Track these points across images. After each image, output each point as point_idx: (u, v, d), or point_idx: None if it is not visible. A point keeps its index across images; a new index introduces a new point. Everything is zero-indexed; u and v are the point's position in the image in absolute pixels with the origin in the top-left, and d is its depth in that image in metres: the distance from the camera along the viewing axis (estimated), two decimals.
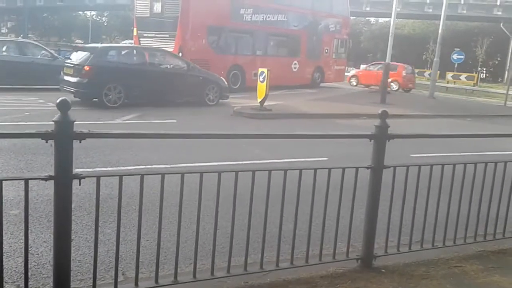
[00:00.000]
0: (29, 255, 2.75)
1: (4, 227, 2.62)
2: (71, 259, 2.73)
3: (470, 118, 15.80)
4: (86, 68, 11.71)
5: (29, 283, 2.74)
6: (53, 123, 2.52)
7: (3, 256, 2.54)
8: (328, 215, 3.42)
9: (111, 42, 46.50)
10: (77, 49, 13.80)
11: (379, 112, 3.53)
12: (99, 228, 2.78)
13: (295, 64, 21.33)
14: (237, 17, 18.73)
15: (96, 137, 2.70)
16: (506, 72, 38.22)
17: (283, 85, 19.00)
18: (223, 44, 18.50)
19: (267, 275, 3.33)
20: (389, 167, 3.57)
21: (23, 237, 2.61)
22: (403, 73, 26.81)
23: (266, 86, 12.30)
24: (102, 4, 55.00)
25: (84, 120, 8.61)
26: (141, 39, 18.04)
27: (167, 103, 12.94)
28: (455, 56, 32.11)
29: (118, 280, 2.88)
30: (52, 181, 2.55)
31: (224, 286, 3.17)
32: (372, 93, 20.50)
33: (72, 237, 2.89)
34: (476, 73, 41.91)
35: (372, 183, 3.54)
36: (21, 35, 42.08)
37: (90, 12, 68.01)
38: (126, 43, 39.05)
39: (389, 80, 26.73)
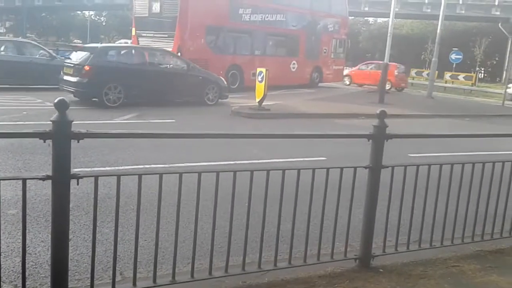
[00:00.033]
0: (27, 255, 2.75)
1: (2, 226, 2.62)
2: (69, 258, 2.73)
3: (468, 118, 15.82)
4: (86, 68, 11.73)
5: (27, 283, 2.75)
6: (51, 122, 2.52)
7: (1, 256, 2.54)
8: (326, 215, 3.42)
9: (109, 42, 46.51)
10: (77, 49, 13.82)
11: (377, 112, 3.53)
12: (97, 227, 2.78)
13: (293, 64, 21.34)
14: (236, 17, 18.73)
15: (94, 137, 2.70)
16: (504, 72, 38.24)
17: (282, 85, 19.01)
18: (222, 44, 18.49)
19: (265, 275, 3.33)
20: (387, 167, 3.57)
21: (20, 237, 2.61)
22: (396, 73, 26.93)
23: (265, 86, 12.30)
24: (101, 4, 54.95)
25: (82, 120, 8.60)
26: (139, 39, 18.02)
27: (166, 103, 12.95)
28: (453, 56, 32.18)
29: (116, 280, 2.88)
30: (50, 181, 2.55)
31: (222, 286, 3.16)
32: (371, 93, 20.51)
33: (70, 236, 2.90)
34: (474, 73, 41.96)
35: (370, 183, 3.54)
36: (21, 36, 42.15)
37: (89, 12, 67.97)
38: (121, 42, 39.03)
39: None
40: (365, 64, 29.51)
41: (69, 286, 2.74)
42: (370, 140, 3.51)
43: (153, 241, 2.97)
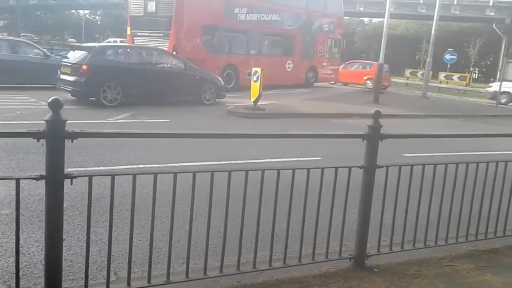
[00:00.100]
0: (20, 255, 2.74)
1: None
2: (63, 258, 2.72)
3: (462, 118, 15.90)
4: (84, 67, 11.72)
5: (20, 283, 2.73)
6: (44, 122, 2.50)
7: None
8: (321, 215, 3.43)
9: (103, 41, 46.46)
10: (74, 48, 13.78)
11: (372, 112, 3.54)
12: (91, 227, 2.77)
13: (289, 63, 21.36)
14: (232, 17, 18.72)
15: (88, 136, 2.69)
16: (498, 73, 38.44)
17: (277, 85, 19.02)
18: (217, 44, 18.48)
19: (260, 275, 3.33)
20: (381, 166, 3.58)
21: (14, 237, 2.59)
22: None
23: (260, 85, 12.31)
24: (96, 2, 54.76)
25: (77, 119, 8.57)
26: (135, 38, 17.97)
27: (163, 103, 12.95)
28: (447, 56, 32.33)
29: (110, 280, 2.87)
30: (44, 181, 2.53)
31: (217, 286, 3.16)
32: (365, 93, 20.58)
33: (64, 236, 2.88)
34: (468, 73, 42.18)
35: (365, 183, 3.55)
36: (20, 34, 41.98)
37: (83, 11, 67.74)
38: (110, 41, 38.94)
39: (365, 78, 27.45)
40: (350, 63, 29.68)
41: (63, 286, 2.73)
42: (365, 140, 3.52)
43: (148, 241, 2.96)
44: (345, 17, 30.37)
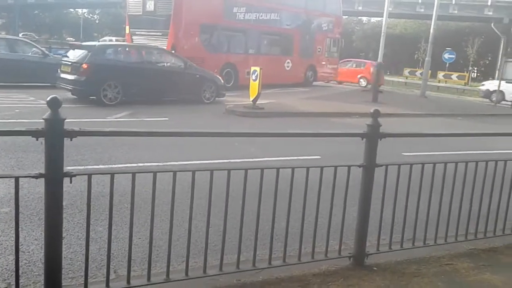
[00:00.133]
0: (20, 253, 2.74)
1: None
2: (63, 257, 2.72)
3: (461, 117, 15.92)
4: (84, 66, 11.74)
5: (20, 281, 2.73)
6: (43, 121, 2.50)
7: None
8: (321, 213, 3.43)
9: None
10: (74, 47, 13.78)
11: (371, 111, 3.54)
12: (90, 226, 2.77)
13: (288, 62, 21.35)
14: (230, 16, 18.70)
15: (86, 135, 2.68)
16: (497, 72, 38.48)
17: (276, 84, 19.02)
18: (216, 43, 18.46)
19: (260, 273, 3.33)
20: (381, 165, 3.58)
21: (14, 235, 2.59)
22: (371, 70, 27.54)
23: (259, 84, 12.31)
24: (94, 1, 54.71)
25: (76, 118, 8.57)
26: (133, 37, 17.96)
27: (162, 101, 12.96)
28: (446, 56, 32.39)
29: (110, 278, 2.87)
30: (43, 179, 2.53)
31: (216, 284, 3.16)
32: (364, 92, 20.59)
33: (64, 235, 2.88)
34: (467, 72, 42.27)
35: (364, 182, 3.55)
36: (21, 34, 41.92)
37: (82, 10, 67.62)
38: (106, 40, 38.88)
39: (358, 76, 27.63)
40: (344, 62, 29.78)
41: (62, 284, 2.73)
42: (364, 139, 3.52)
43: (147, 239, 2.96)
44: (344, 16, 30.42)
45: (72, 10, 68.45)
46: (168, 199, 2.94)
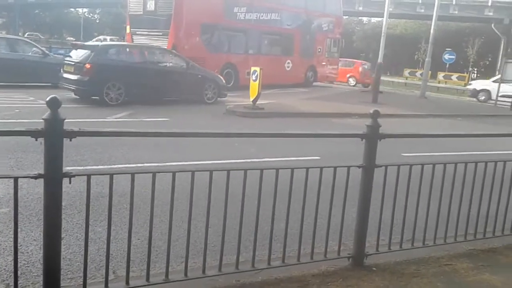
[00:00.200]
0: (19, 254, 2.74)
1: None
2: (62, 257, 2.72)
3: (461, 118, 15.91)
4: (87, 66, 11.77)
5: (19, 282, 2.73)
6: (43, 121, 2.50)
7: None
8: (320, 214, 3.43)
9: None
10: (77, 47, 13.81)
11: (371, 111, 3.54)
12: (89, 226, 2.77)
13: (288, 63, 21.35)
14: (231, 16, 18.71)
15: (86, 135, 2.68)
16: (497, 73, 38.51)
17: (277, 84, 19.03)
18: (217, 43, 18.46)
19: (259, 274, 3.33)
20: (380, 166, 3.58)
21: (12, 236, 2.59)
22: (360, 69, 27.99)
23: (259, 85, 12.30)
24: (94, 1, 54.69)
25: (76, 118, 8.57)
26: (134, 36, 17.97)
27: (163, 101, 12.98)
28: (446, 56, 32.39)
29: (109, 278, 2.86)
30: (42, 179, 2.53)
31: (215, 285, 3.16)
32: (364, 93, 20.59)
33: (63, 235, 2.88)
34: (467, 73, 42.26)
35: (364, 182, 3.55)
36: (27, 33, 42.00)
37: (82, 9, 67.66)
38: (100, 39, 38.91)
39: (348, 75, 27.81)
40: None
41: (61, 285, 2.73)
42: (364, 140, 3.52)
43: (146, 239, 2.96)
44: (344, 17, 30.41)
45: (72, 9, 68.52)
46: (167, 199, 2.94)
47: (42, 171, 2.53)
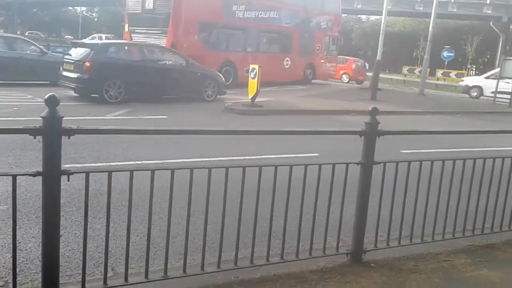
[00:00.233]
0: (18, 251, 2.74)
1: None
2: (60, 254, 2.72)
3: (460, 115, 15.93)
4: (87, 64, 11.79)
5: (18, 279, 2.73)
6: (41, 119, 2.50)
7: None
8: (319, 211, 3.43)
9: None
10: (76, 45, 13.81)
11: (369, 109, 3.55)
12: (88, 223, 2.77)
13: (287, 60, 21.34)
14: (230, 14, 18.68)
15: (84, 133, 2.68)
16: (494, 69, 38.55)
17: (275, 82, 19.02)
18: (215, 41, 18.44)
19: (258, 270, 3.34)
20: (379, 163, 3.59)
21: (11, 233, 2.59)
22: (353, 66, 28.19)
23: (257, 82, 12.30)
24: None
25: (74, 116, 8.57)
26: (132, 35, 17.94)
27: (162, 99, 12.99)
28: (445, 54, 32.41)
29: (108, 275, 2.87)
30: (41, 177, 2.53)
31: (214, 281, 3.17)
32: (363, 90, 20.59)
33: (61, 232, 2.89)
34: (465, 70, 42.29)
35: (362, 179, 3.56)
36: (28, 32, 41.95)
37: (80, 8, 67.51)
38: (95, 37, 38.83)
39: (341, 72, 27.96)
40: None
41: (60, 282, 2.73)
42: (362, 137, 3.53)
43: (145, 236, 2.96)
44: (343, 15, 30.39)
45: (70, 8, 68.37)
46: (166, 196, 2.94)
47: (40, 169, 2.53)
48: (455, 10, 41.61)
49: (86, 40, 19.18)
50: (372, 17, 57.43)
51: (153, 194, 2.87)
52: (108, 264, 2.89)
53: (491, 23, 43.07)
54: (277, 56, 20.75)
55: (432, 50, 22.20)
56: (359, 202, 3.60)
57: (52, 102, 2.51)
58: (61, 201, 2.65)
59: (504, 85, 20.44)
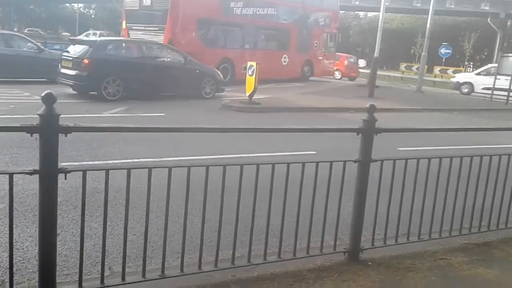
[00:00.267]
0: (14, 250, 2.73)
1: None
2: (57, 253, 2.72)
3: (457, 112, 15.95)
4: (86, 61, 11.76)
5: (14, 278, 2.73)
6: (38, 116, 2.49)
7: None
8: (316, 209, 3.44)
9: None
10: (75, 42, 13.77)
11: (367, 106, 3.54)
12: (85, 222, 2.76)
13: (285, 57, 21.31)
14: (227, 10, 18.64)
15: (81, 130, 2.68)
16: (493, 66, 38.60)
17: (273, 79, 18.99)
18: (213, 37, 18.40)
19: (255, 269, 3.34)
20: (376, 160, 3.59)
21: (8, 232, 2.58)
22: (345, 63, 28.29)
23: (255, 79, 12.28)
24: None
25: (72, 113, 8.53)
26: (130, 32, 17.89)
27: (161, 96, 12.99)
28: (442, 51, 32.45)
29: (105, 274, 2.87)
30: (37, 175, 2.52)
31: (212, 280, 3.17)
32: (360, 87, 20.58)
33: (58, 231, 2.88)
34: (463, 67, 42.32)
35: (360, 177, 3.56)
36: (27, 29, 41.81)
37: (77, 4, 67.23)
38: (89, 33, 38.70)
39: (334, 69, 28.00)
40: None
41: (57, 281, 2.73)
42: (360, 134, 3.53)
43: (142, 235, 2.96)
44: (341, 11, 30.37)
45: (68, 4, 68.05)
46: (163, 195, 2.94)
47: (37, 167, 2.52)
48: (453, 6, 41.62)
49: (83, 37, 19.13)
50: (370, 14, 57.36)
51: (150, 192, 2.87)
52: (105, 263, 2.89)
53: (488, 19, 43.11)
54: (275, 53, 20.73)
55: (429, 47, 22.20)
56: (356, 200, 3.60)
57: (49, 100, 2.50)
58: (58, 200, 2.65)
59: (496, 82, 20.56)
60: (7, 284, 2.67)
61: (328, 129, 4.70)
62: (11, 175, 2.53)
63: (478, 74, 25.25)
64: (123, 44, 13.82)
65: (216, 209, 3.13)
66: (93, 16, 70.05)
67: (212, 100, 13.55)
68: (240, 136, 7.45)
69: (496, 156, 4.28)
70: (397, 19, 56.39)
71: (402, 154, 4.66)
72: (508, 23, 44.99)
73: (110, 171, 2.79)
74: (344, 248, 3.69)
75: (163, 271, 3.00)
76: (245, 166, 3.15)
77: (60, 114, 2.52)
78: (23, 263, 3.38)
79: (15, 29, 43.82)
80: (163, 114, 10.51)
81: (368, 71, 22.36)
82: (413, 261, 3.77)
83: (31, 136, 2.50)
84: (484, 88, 22.51)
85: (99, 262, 3.03)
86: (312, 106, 13.92)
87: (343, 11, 44.05)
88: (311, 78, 23.31)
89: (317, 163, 3.39)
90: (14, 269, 2.73)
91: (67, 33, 50.56)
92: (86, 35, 37.50)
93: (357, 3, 44.26)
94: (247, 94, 12.61)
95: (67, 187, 4.38)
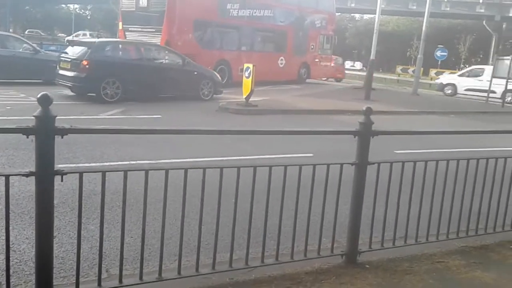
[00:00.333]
0: (11, 252, 2.71)
1: None
2: (54, 256, 2.70)
3: (453, 115, 16.00)
4: (84, 62, 11.73)
5: (11, 280, 2.70)
6: (34, 118, 2.47)
7: None
8: (313, 211, 3.43)
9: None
10: (73, 43, 13.73)
11: (364, 108, 3.54)
12: (82, 224, 2.75)
13: (281, 60, 21.34)
14: (224, 12, 18.64)
15: (78, 132, 2.66)
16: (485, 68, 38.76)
17: (270, 81, 19.01)
18: (210, 39, 18.39)
19: (252, 272, 3.33)
20: (373, 163, 3.59)
21: (4, 234, 2.56)
22: (332, 64, 28.31)
23: (252, 81, 12.28)
24: None
25: (68, 115, 8.52)
26: (126, 33, 17.85)
27: (159, 98, 12.96)
28: (438, 53, 32.58)
29: (102, 277, 2.85)
30: (34, 177, 2.50)
31: (209, 283, 3.15)
32: (357, 89, 20.63)
33: (55, 233, 2.86)
34: (459, 70, 42.44)
35: (357, 179, 3.56)
36: (28, 30, 41.64)
37: (73, 5, 67.11)
38: (79, 34, 38.58)
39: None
40: None
41: (54, 284, 2.71)
42: (356, 137, 3.53)
43: (139, 237, 2.94)
44: (337, 13, 30.42)
45: (63, 5, 67.91)
46: (160, 197, 2.93)
47: (33, 169, 2.50)
48: (448, 9, 41.83)
49: (81, 38, 19.10)
50: (366, 16, 57.64)
51: (147, 194, 2.86)
52: (102, 265, 2.87)
53: (484, 22, 43.34)
54: (271, 55, 20.75)
55: (425, 49, 22.31)
56: (354, 203, 3.60)
57: (45, 101, 2.48)
58: (55, 202, 2.63)
59: (476, 83, 20.90)
60: (4, 287, 2.65)
61: (325, 132, 4.71)
62: (7, 177, 2.52)
63: (461, 75, 25.52)
64: (122, 46, 13.81)
65: (214, 212, 3.12)
66: (89, 17, 69.93)
67: (210, 102, 13.54)
68: (237, 138, 7.47)
69: (493, 159, 4.29)
70: (393, 21, 56.58)
71: (399, 157, 4.67)
72: (503, 25, 45.22)
73: (107, 173, 2.78)
74: (341, 250, 3.68)
75: (160, 273, 2.99)
76: (242, 168, 3.14)
77: (56, 116, 2.51)
78: (20, 265, 3.36)
79: (10, 30, 43.69)
80: (159, 116, 10.49)
81: (364, 73, 22.40)
82: (410, 264, 3.77)
83: (27, 137, 2.48)
84: (466, 90, 22.71)
85: (96, 264, 3.01)
86: (309, 108, 13.94)
87: (339, 13, 44.14)
88: (307, 80, 23.34)
89: (314, 165, 3.39)
90: (11, 271, 2.72)
91: (63, 34, 50.45)
92: (76, 36, 37.44)
93: (353, 5, 44.39)
94: (244, 96, 12.60)
95: (63, 189, 4.36)
